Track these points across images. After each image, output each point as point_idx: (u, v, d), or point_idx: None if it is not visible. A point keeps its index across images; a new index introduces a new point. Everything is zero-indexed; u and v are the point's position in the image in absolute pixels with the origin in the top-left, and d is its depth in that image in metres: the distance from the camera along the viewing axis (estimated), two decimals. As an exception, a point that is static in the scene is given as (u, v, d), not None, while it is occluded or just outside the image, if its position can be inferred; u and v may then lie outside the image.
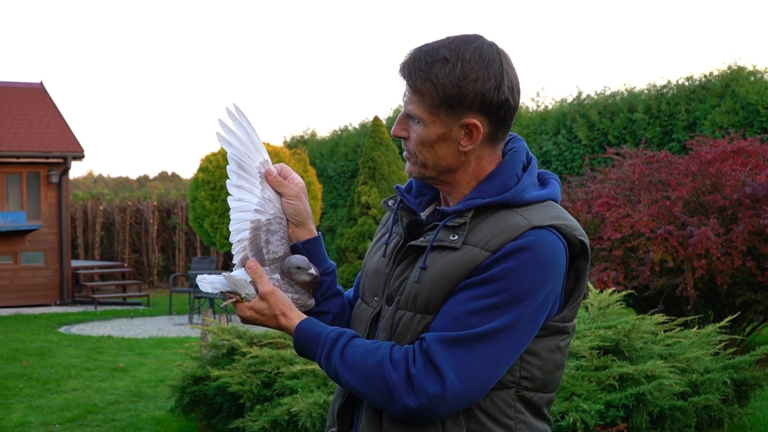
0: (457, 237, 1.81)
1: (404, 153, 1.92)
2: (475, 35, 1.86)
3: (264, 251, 1.96)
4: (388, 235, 1.99)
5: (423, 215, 1.98)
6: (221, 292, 1.94)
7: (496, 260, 1.76)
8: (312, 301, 1.98)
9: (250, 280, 1.93)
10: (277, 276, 1.94)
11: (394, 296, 1.89)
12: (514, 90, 1.84)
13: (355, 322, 2.00)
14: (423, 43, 1.87)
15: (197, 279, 1.97)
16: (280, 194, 2.01)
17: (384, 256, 1.97)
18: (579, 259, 1.84)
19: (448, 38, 1.85)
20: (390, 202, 2.02)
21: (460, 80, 1.80)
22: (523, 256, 1.75)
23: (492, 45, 1.85)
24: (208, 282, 1.95)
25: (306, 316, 1.93)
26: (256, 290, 1.92)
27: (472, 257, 1.78)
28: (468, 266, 1.78)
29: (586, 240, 1.84)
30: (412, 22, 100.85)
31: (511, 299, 1.74)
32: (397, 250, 1.94)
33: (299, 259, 1.95)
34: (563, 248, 1.80)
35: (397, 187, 1.99)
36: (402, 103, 1.90)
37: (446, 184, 1.91)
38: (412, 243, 1.89)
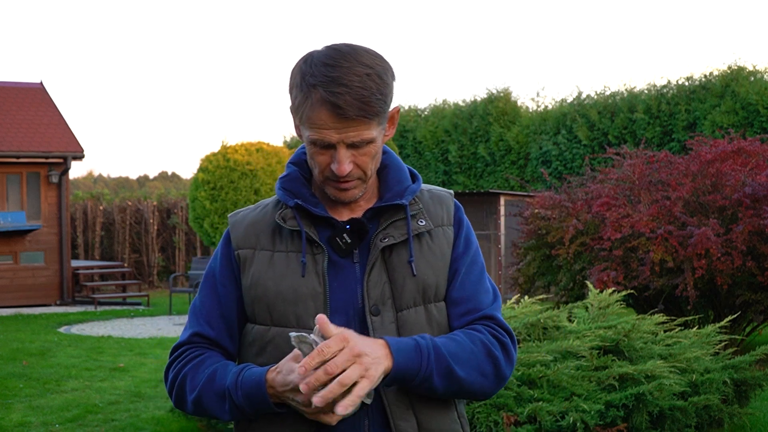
0: (424, 222, 1.90)
1: (344, 184, 1.81)
2: (331, 45, 1.79)
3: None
4: (302, 255, 1.84)
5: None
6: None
7: (459, 228, 1.95)
8: None
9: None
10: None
11: (382, 303, 1.83)
12: None
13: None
14: (325, 79, 1.72)
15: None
16: None
17: (303, 276, 1.83)
18: None
19: (332, 59, 1.74)
20: (286, 221, 1.87)
21: (387, 79, 1.77)
22: (463, 213, 1.98)
23: (348, 45, 1.79)
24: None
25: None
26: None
27: (447, 234, 1.93)
28: (449, 242, 1.93)
29: None
30: (412, 22, 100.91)
31: (478, 251, 1.99)
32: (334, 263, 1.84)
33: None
34: None
35: (296, 203, 1.86)
36: (338, 140, 1.75)
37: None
38: (386, 245, 1.83)
